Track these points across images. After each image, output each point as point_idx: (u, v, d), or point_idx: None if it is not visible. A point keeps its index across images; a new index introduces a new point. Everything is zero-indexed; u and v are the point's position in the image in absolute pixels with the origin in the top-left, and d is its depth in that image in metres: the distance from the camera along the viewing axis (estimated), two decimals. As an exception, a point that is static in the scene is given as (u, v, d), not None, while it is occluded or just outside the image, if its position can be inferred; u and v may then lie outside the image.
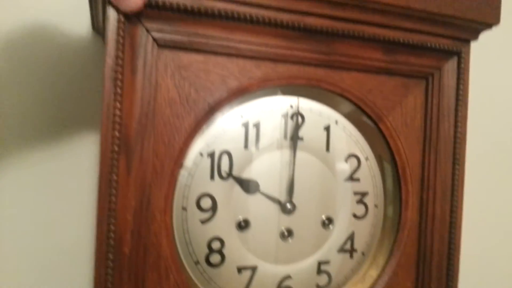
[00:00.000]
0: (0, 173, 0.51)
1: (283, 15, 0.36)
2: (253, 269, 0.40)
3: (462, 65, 0.41)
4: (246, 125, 0.39)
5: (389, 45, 0.39)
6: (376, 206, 0.44)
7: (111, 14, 0.31)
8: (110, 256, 0.31)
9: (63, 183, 0.53)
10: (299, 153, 0.41)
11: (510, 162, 0.77)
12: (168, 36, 0.33)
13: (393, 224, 0.43)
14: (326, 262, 0.42)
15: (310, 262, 0.42)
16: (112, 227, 0.31)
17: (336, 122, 0.42)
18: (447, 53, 0.41)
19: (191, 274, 0.38)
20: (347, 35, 0.38)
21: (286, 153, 0.41)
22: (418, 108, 0.41)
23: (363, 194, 0.43)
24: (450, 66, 0.41)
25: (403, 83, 0.41)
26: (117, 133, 0.31)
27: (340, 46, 0.38)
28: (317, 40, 0.38)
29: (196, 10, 0.33)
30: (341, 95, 0.40)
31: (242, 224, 0.39)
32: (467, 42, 0.42)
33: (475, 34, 0.41)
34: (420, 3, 0.37)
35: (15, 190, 0.52)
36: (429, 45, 0.40)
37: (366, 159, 0.43)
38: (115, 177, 0.31)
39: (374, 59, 0.39)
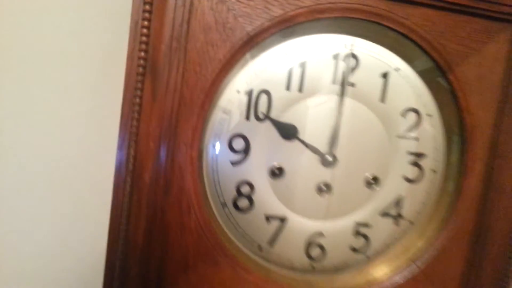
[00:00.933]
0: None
1: None
2: (283, 219, 0.37)
3: None
4: (290, 64, 0.35)
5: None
6: (434, 171, 0.38)
7: None
8: (129, 180, 0.30)
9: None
10: (348, 101, 0.36)
11: None
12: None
13: (451, 193, 0.38)
14: (365, 225, 0.38)
15: (346, 222, 0.38)
16: (133, 152, 0.30)
17: (397, 70, 0.36)
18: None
19: (217, 216, 0.37)
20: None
21: (333, 99, 0.36)
22: (501, 59, 0.34)
23: (419, 155, 0.38)
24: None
25: (486, 26, 0.33)
26: (143, 54, 0.29)
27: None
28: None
29: None
30: (406, 36, 0.34)
31: (276, 171, 0.36)
32: None
33: None
34: None
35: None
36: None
37: (429, 115, 0.37)
38: (138, 100, 0.29)
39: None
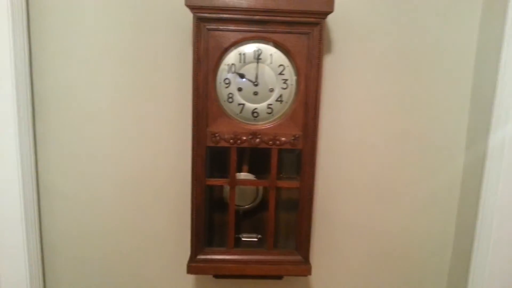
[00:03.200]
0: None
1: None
2: (243, 104, 1.16)
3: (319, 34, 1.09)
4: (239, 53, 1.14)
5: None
6: (291, 84, 1.15)
7: None
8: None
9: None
10: (260, 65, 1.14)
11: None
12: None
13: (296, 91, 1.15)
14: (271, 104, 1.16)
15: (263, 104, 1.16)
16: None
17: (275, 52, 1.14)
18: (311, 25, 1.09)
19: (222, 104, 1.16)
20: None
21: (254, 64, 1.14)
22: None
23: (285, 80, 1.15)
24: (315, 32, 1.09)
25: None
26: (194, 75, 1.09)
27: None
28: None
29: None
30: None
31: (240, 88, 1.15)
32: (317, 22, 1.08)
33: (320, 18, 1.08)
34: (284, 5, 1.05)
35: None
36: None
37: (287, 66, 1.15)
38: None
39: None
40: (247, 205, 1.30)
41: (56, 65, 1.26)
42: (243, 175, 1.25)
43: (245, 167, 1.27)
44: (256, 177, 1.26)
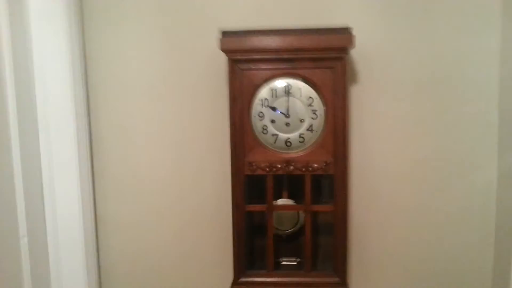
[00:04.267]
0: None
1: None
2: (277, 135, 1.25)
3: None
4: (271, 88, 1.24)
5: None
6: (320, 115, 1.24)
7: None
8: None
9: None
10: (290, 98, 1.24)
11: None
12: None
13: (325, 121, 1.23)
14: (302, 134, 1.25)
15: (295, 134, 1.25)
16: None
17: (303, 86, 1.24)
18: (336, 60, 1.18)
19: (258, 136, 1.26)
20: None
21: (285, 98, 1.24)
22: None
23: (314, 111, 1.24)
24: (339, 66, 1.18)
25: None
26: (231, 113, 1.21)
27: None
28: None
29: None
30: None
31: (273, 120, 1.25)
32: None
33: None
34: (308, 43, 1.15)
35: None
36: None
37: (315, 98, 1.24)
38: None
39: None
40: (288, 229, 1.37)
41: (110, 105, 1.43)
42: (283, 201, 1.33)
43: (285, 193, 1.35)
44: (295, 202, 1.33)
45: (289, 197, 1.34)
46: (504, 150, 1.32)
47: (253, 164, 1.25)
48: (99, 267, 1.50)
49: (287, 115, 1.24)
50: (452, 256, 1.41)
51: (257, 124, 1.25)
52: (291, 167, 1.24)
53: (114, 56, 1.41)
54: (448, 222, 1.40)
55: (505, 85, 1.31)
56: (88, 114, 1.43)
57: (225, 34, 1.20)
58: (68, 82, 1.32)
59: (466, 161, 1.37)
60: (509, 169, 1.29)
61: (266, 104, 1.24)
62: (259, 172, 1.25)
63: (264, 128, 1.25)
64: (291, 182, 1.33)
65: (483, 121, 1.35)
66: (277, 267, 1.34)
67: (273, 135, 1.25)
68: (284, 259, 1.38)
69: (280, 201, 1.33)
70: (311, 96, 1.23)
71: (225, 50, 1.19)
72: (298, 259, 1.37)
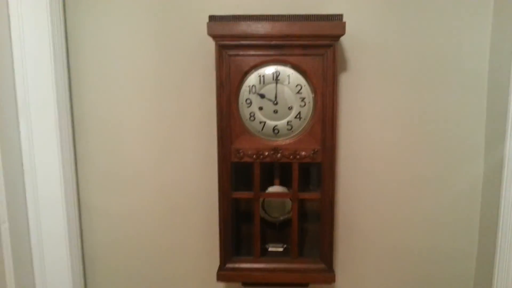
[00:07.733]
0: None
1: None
2: (265, 122, 1.24)
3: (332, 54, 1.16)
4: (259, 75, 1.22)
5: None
6: (308, 102, 1.23)
7: None
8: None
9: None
10: (278, 85, 1.22)
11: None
12: None
13: (313, 108, 1.22)
14: (290, 121, 1.24)
15: (283, 121, 1.24)
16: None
17: (292, 73, 1.22)
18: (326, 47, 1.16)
19: (244, 122, 1.24)
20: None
21: (273, 85, 1.22)
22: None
23: (303, 99, 1.22)
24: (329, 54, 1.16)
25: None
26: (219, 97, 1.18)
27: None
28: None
29: (239, 44, 1.17)
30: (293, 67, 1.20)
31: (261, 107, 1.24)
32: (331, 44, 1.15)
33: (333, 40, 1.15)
34: (298, 30, 1.13)
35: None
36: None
37: (304, 86, 1.22)
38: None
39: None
40: (281, 217, 1.37)
41: (93, 92, 1.39)
42: (275, 188, 1.32)
43: (277, 181, 1.34)
44: (288, 189, 1.32)
45: (281, 184, 1.33)
46: (490, 143, 1.34)
47: (240, 151, 1.23)
48: (83, 254, 1.48)
49: (275, 102, 1.23)
50: (438, 242, 1.43)
51: (244, 111, 1.23)
52: (279, 155, 1.23)
53: (97, 42, 1.36)
54: (435, 211, 1.42)
55: (493, 77, 1.32)
56: (71, 99, 1.39)
57: (213, 18, 1.16)
58: (49, 69, 1.28)
59: (454, 151, 1.38)
60: (496, 164, 1.30)
61: (254, 90, 1.22)
62: (246, 159, 1.24)
63: (252, 115, 1.24)
64: (283, 169, 1.32)
65: (473, 113, 1.37)
66: (264, 254, 1.34)
67: (260, 122, 1.24)
68: (271, 245, 1.38)
69: (272, 189, 1.32)
70: (300, 83, 1.21)
71: (212, 35, 1.16)
72: (285, 246, 1.38)
